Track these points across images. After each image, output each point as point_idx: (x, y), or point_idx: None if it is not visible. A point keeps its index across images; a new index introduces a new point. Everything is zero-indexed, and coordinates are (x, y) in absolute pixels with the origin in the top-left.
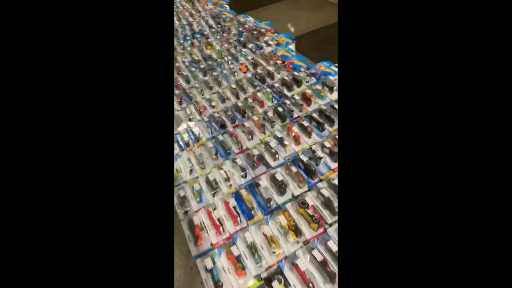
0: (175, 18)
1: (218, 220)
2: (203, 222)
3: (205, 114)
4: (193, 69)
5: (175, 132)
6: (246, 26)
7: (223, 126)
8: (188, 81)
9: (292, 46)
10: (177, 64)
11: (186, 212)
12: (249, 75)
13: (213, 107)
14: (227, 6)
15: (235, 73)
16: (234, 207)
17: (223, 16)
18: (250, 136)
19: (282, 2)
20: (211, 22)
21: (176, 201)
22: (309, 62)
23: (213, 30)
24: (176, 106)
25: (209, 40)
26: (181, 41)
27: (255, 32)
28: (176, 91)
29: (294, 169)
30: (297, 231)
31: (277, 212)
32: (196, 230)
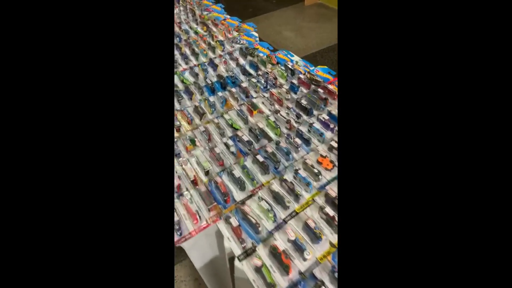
0: (188, 52)
1: None
2: None
3: None
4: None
5: None
6: (299, 73)
7: None
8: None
9: None
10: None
11: None
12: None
13: None
14: (255, 34)
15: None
16: None
17: (255, 49)
18: None
19: (283, 9)
20: (242, 61)
21: None
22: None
23: (253, 79)
24: None
25: (254, 101)
26: (207, 94)
27: (314, 84)
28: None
29: None
30: None
31: None
32: None
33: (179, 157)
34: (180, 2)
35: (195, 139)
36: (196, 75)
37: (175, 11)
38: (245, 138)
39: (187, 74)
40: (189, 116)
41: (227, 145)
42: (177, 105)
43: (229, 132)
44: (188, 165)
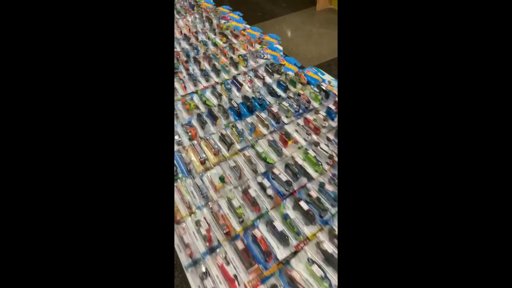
0: (207, 67)
1: None
2: None
3: None
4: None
5: None
6: (334, 96)
7: None
8: None
9: None
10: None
11: None
12: None
13: None
14: (279, 47)
15: None
16: None
17: (281, 66)
18: None
19: (293, 14)
20: (269, 79)
21: None
22: None
23: (284, 103)
24: None
25: (286, 128)
26: (232, 118)
27: None
28: None
29: None
30: None
31: None
32: None
33: (206, 198)
34: (195, 8)
35: (224, 176)
36: (219, 96)
37: (190, 19)
38: (283, 177)
39: (208, 94)
40: (215, 146)
41: (262, 186)
42: (200, 132)
43: (261, 166)
44: (220, 210)
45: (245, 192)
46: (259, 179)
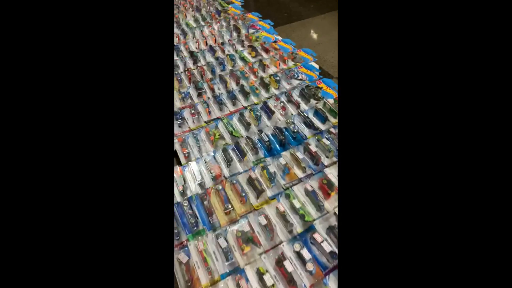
0: (234, 86)
1: None
2: None
3: None
4: None
5: None
6: None
7: None
8: None
9: None
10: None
11: None
12: None
13: None
14: (315, 65)
15: None
16: None
17: (318, 89)
18: None
19: (321, 16)
20: (304, 105)
21: None
22: None
23: (324, 140)
24: None
25: (327, 174)
26: (262, 154)
27: None
28: None
29: None
30: None
31: None
32: None
33: (232, 264)
34: (221, 15)
35: (252, 236)
36: (247, 125)
37: (216, 27)
38: (326, 246)
39: (235, 121)
40: (243, 194)
41: (299, 255)
42: (225, 171)
43: (299, 226)
44: (248, 283)
45: (279, 263)
46: (297, 247)
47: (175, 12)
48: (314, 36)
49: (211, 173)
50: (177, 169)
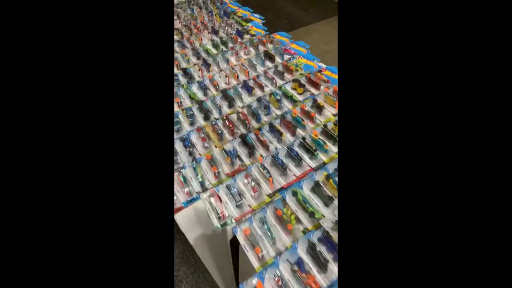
0: (298, 150)
1: None
2: None
3: None
4: None
5: None
6: None
7: None
8: None
9: None
10: None
11: None
12: None
13: None
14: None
15: None
16: None
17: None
18: None
19: (324, 22)
20: None
21: None
22: None
23: None
24: None
25: None
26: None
27: None
28: None
29: None
30: None
31: None
32: None
33: None
34: (244, 36)
35: None
36: (329, 199)
37: (242, 54)
38: None
39: (306, 190)
40: None
41: None
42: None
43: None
44: None
45: None
46: None
47: (187, 35)
48: (324, 44)
49: None
50: None
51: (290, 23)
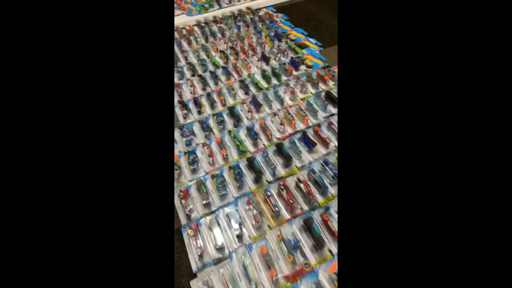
0: None
1: None
2: None
3: None
4: None
5: None
6: None
7: None
8: None
9: None
10: None
11: None
12: None
13: None
14: None
15: None
16: None
17: None
18: None
19: None
20: None
21: None
22: None
23: None
24: None
25: None
26: None
27: None
28: None
29: None
30: None
31: None
32: None
33: None
34: (300, 68)
35: None
36: None
37: (297, 91)
38: None
39: None
40: None
41: None
42: None
43: None
44: None
45: None
46: None
47: (234, 60)
48: None
49: None
50: None
51: (331, 36)
